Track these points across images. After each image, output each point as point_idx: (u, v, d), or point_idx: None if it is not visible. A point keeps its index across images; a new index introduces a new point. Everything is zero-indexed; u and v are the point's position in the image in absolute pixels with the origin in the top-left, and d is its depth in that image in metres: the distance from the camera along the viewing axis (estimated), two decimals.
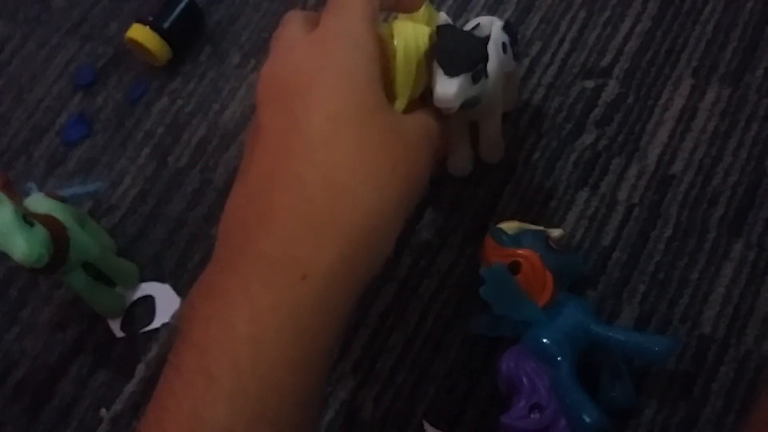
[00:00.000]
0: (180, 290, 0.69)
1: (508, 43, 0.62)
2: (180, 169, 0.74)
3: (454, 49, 0.53)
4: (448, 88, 0.53)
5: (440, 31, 0.54)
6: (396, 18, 0.58)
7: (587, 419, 0.53)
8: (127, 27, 0.78)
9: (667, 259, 0.62)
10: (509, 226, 0.61)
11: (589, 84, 0.70)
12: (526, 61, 0.71)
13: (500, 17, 0.73)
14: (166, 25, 0.78)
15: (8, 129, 0.80)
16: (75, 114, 0.79)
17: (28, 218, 0.58)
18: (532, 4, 0.74)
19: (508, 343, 0.57)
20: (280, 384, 0.44)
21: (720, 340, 0.59)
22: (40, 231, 0.59)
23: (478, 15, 0.74)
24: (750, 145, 0.65)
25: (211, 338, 0.44)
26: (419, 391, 0.62)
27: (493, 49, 0.58)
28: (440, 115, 0.55)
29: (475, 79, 0.54)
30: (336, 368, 0.63)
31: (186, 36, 0.80)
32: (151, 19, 0.77)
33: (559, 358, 0.55)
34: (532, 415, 0.54)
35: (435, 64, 0.53)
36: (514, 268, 0.58)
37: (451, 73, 0.53)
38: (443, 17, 0.56)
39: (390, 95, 0.54)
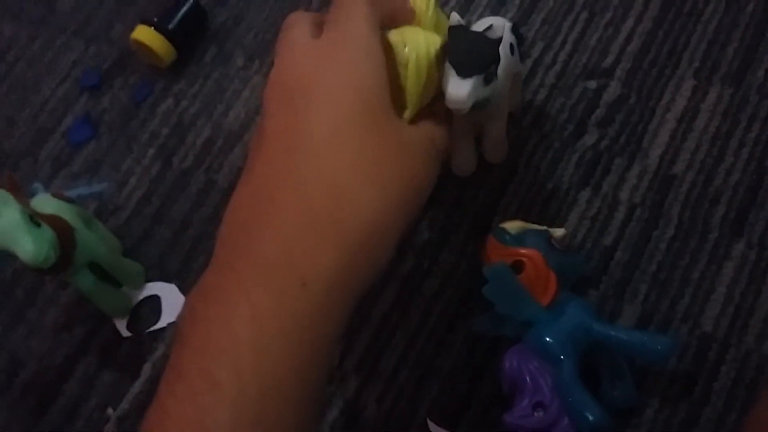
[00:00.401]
0: (186, 290, 0.70)
1: (515, 44, 0.62)
2: (185, 170, 0.75)
3: (467, 51, 0.53)
4: (460, 89, 0.53)
5: (452, 32, 0.54)
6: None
7: (590, 417, 0.53)
8: (131, 28, 0.78)
9: (668, 258, 0.63)
10: (512, 226, 0.61)
11: (591, 85, 0.70)
12: (528, 62, 0.72)
13: (503, 18, 0.74)
14: (170, 26, 0.78)
15: (14, 130, 0.80)
16: (80, 115, 0.79)
17: (34, 219, 0.59)
18: (534, 6, 0.75)
19: (511, 343, 0.57)
20: (281, 388, 0.44)
21: (721, 339, 0.60)
22: (46, 231, 0.59)
23: (481, 16, 0.74)
24: (751, 145, 0.65)
25: (212, 341, 0.44)
26: (422, 391, 0.62)
27: (502, 51, 0.58)
28: (448, 120, 0.55)
29: (486, 81, 0.54)
30: (339, 368, 0.64)
31: (190, 37, 0.80)
32: (155, 20, 0.78)
33: (561, 357, 0.55)
34: (535, 414, 0.55)
35: (447, 65, 0.53)
36: (518, 267, 0.58)
37: (463, 74, 0.53)
38: (455, 18, 0.55)
39: (399, 103, 0.54)
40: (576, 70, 0.71)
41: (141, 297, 0.70)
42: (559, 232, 0.62)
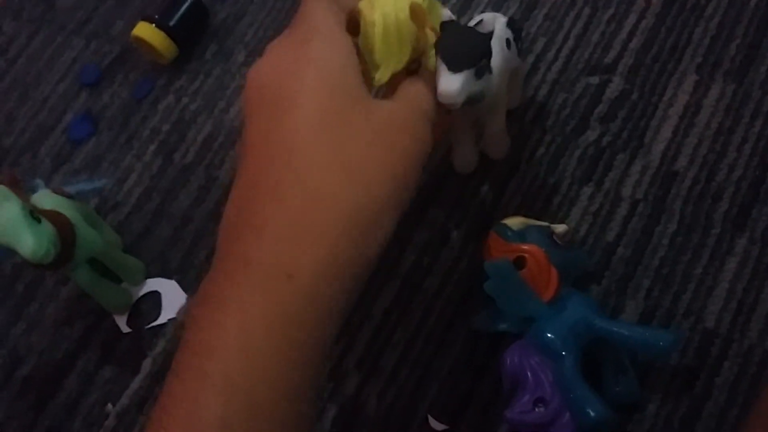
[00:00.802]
0: (186, 286, 0.69)
1: (512, 39, 0.62)
2: (186, 166, 0.74)
3: (457, 45, 0.53)
4: (451, 83, 0.53)
5: (443, 27, 0.54)
6: None
7: (591, 413, 0.53)
8: (132, 25, 0.78)
9: (671, 254, 0.63)
10: (514, 222, 0.61)
11: (594, 80, 0.70)
12: (530, 58, 0.72)
13: (505, 14, 0.74)
14: (171, 23, 0.78)
15: (14, 127, 0.80)
16: (81, 112, 0.79)
17: (34, 214, 0.58)
18: (536, 1, 0.75)
19: (512, 339, 0.57)
20: (272, 378, 0.45)
21: (723, 334, 0.59)
22: (47, 227, 0.59)
23: (482, 12, 0.74)
24: (754, 140, 0.65)
25: (204, 341, 0.45)
26: (423, 387, 0.62)
27: (497, 45, 0.58)
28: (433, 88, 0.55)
29: (478, 75, 0.54)
30: (340, 365, 0.64)
31: (192, 34, 0.80)
32: (156, 17, 0.78)
33: (563, 353, 0.55)
34: (536, 409, 0.55)
35: (438, 60, 0.53)
36: (519, 263, 0.58)
37: (453, 68, 0.53)
38: (447, 14, 0.56)
39: (373, 68, 0.54)
40: (578, 66, 0.71)
41: (141, 293, 0.70)
42: (560, 228, 0.62)
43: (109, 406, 0.66)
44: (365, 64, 0.55)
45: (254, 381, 0.44)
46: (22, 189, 0.61)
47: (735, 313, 0.60)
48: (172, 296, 0.69)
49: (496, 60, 0.57)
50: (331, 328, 0.48)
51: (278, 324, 0.45)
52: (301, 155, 0.48)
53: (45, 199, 0.64)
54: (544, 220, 0.62)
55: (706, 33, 0.70)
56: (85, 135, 0.78)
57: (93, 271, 0.65)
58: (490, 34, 0.55)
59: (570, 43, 0.72)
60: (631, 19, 0.72)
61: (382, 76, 0.54)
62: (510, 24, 0.62)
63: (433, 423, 0.61)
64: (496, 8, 0.75)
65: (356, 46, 0.54)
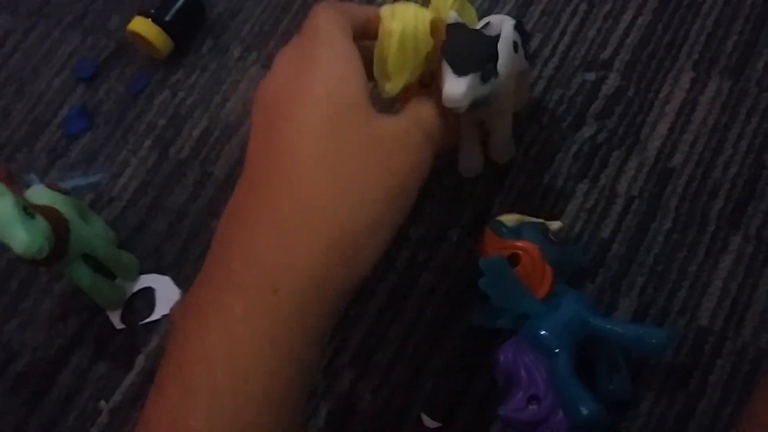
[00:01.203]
0: (180, 282, 0.69)
1: (519, 42, 0.61)
2: (181, 162, 0.74)
3: (463, 48, 0.53)
4: (456, 87, 0.52)
5: (449, 29, 0.54)
6: None
7: (584, 411, 0.53)
8: (128, 20, 0.78)
9: (666, 251, 0.62)
10: (509, 219, 0.61)
11: (590, 77, 0.70)
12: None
13: (501, 10, 0.73)
14: (167, 17, 0.78)
15: (10, 122, 0.80)
16: (77, 107, 0.79)
17: (28, 210, 0.58)
18: None
19: (506, 336, 0.57)
20: (255, 392, 0.44)
21: (718, 332, 0.59)
22: (40, 222, 0.59)
23: (479, 8, 0.73)
24: (750, 137, 0.65)
25: (188, 353, 0.45)
26: (417, 384, 0.62)
27: (504, 49, 0.57)
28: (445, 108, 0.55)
29: (484, 79, 0.53)
30: (334, 361, 0.64)
31: (188, 28, 0.80)
32: (153, 11, 0.78)
33: (557, 350, 0.55)
34: (529, 407, 0.54)
35: (444, 63, 0.53)
36: (514, 260, 0.58)
37: (459, 72, 0.52)
38: (453, 16, 0.55)
39: (385, 77, 0.54)
40: (575, 62, 0.70)
41: (135, 289, 0.70)
42: (555, 224, 0.62)
43: (102, 402, 0.66)
44: (380, 71, 0.54)
45: (240, 398, 0.44)
46: (16, 184, 0.61)
47: (729, 310, 0.60)
48: (165, 292, 0.69)
49: (503, 63, 0.56)
50: (317, 344, 0.47)
51: (264, 339, 0.45)
52: (296, 167, 0.48)
53: (39, 194, 0.64)
54: (540, 217, 0.62)
55: (703, 30, 0.69)
56: (81, 130, 0.78)
57: (87, 266, 0.65)
58: (497, 38, 0.54)
59: (566, 39, 0.72)
60: (628, 15, 0.71)
61: (393, 87, 0.54)
62: (517, 27, 0.61)
63: (427, 421, 0.61)
64: (493, 4, 0.75)
65: (370, 51, 0.54)
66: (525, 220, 0.61)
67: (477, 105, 0.55)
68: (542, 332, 0.55)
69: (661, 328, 0.60)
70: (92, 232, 0.66)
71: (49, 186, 0.66)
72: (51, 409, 0.67)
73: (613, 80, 0.69)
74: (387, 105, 0.60)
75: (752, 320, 0.59)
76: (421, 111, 0.53)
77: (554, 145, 0.68)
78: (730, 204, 0.63)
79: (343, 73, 0.50)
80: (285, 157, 0.48)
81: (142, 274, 0.70)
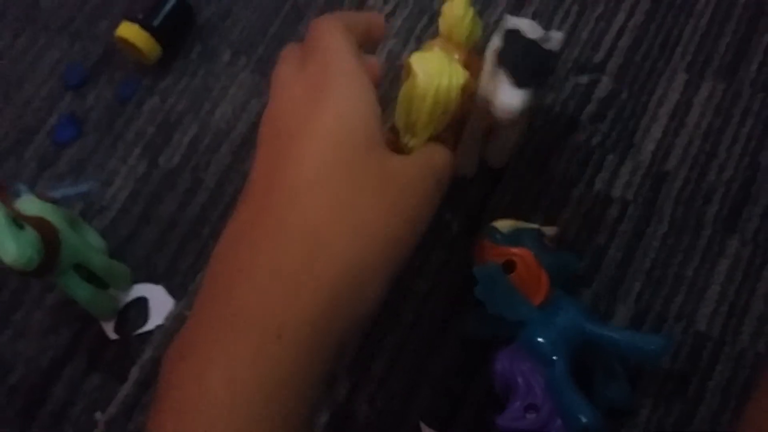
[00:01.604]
0: (173, 291, 0.69)
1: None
2: (171, 169, 0.74)
3: (526, 60, 0.52)
4: (514, 98, 0.51)
5: (508, 37, 0.53)
6: (435, 41, 0.57)
7: (583, 419, 0.52)
8: (116, 25, 0.77)
9: (662, 256, 0.62)
10: (503, 225, 0.61)
11: (583, 80, 0.69)
12: None
13: (494, 11, 0.73)
14: (155, 22, 0.77)
15: None
16: (65, 114, 0.78)
17: (17, 221, 0.58)
18: None
19: (503, 344, 0.57)
20: None
21: (715, 338, 0.59)
22: (30, 234, 0.58)
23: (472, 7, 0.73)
24: (745, 140, 0.65)
25: (188, 401, 0.43)
26: (414, 393, 0.62)
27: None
28: (454, 144, 0.54)
29: (537, 92, 0.53)
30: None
31: (176, 34, 0.79)
32: (140, 17, 0.77)
33: (554, 358, 0.55)
34: (527, 416, 0.54)
35: (500, 72, 0.51)
36: (509, 266, 0.57)
37: (520, 83, 0.51)
38: (512, 22, 0.53)
39: (406, 127, 0.53)
40: (567, 65, 0.70)
41: (128, 299, 0.69)
42: (550, 230, 0.61)
43: (98, 414, 0.65)
44: (406, 125, 0.53)
45: None
46: (5, 194, 0.61)
47: (727, 315, 0.60)
48: (159, 302, 0.68)
49: None
50: (323, 382, 0.46)
51: (269, 384, 0.43)
52: (303, 200, 0.46)
53: (29, 204, 0.64)
54: (534, 222, 0.62)
55: (696, 31, 0.69)
56: (70, 138, 0.77)
57: (79, 277, 0.64)
58: (559, 54, 0.52)
59: None
60: (620, 17, 0.71)
61: (417, 143, 0.53)
62: None
63: (425, 429, 0.61)
64: (486, 5, 0.74)
65: (375, 68, 0.52)
66: (520, 226, 0.61)
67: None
68: (539, 339, 0.55)
69: (657, 335, 0.59)
70: (83, 241, 0.65)
71: (39, 196, 0.66)
72: (45, 421, 0.66)
73: (606, 83, 0.69)
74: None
75: (750, 325, 0.59)
76: (435, 157, 0.52)
77: (548, 149, 0.67)
78: (726, 208, 0.63)
79: (356, 104, 0.48)
80: (292, 190, 0.46)
81: (135, 283, 0.69)
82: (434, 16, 0.56)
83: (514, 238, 0.59)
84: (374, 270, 0.47)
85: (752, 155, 0.64)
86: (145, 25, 0.76)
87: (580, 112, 0.68)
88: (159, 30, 0.77)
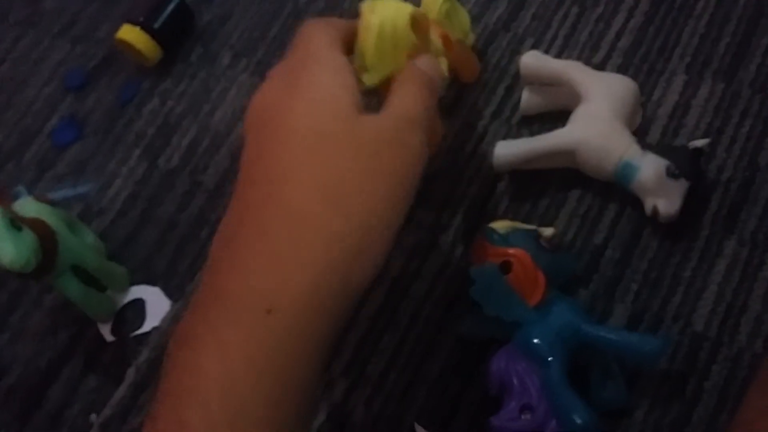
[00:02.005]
0: (170, 293, 0.69)
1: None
2: (170, 171, 0.74)
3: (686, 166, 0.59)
4: (676, 204, 0.59)
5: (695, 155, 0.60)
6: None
7: (578, 420, 0.52)
8: (117, 28, 0.77)
9: (659, 256, 0.62)
10: (501, 225, 0.60)
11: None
12: (516, 59, 0.71)
13: (493, 14, 0.74)
14: (156, 25, 0.77)
15: None
16: (66, 117, 0.79)
17: (15, 223, 0.58)
18: (524, 1, 0.74)
19: (499, 344, 0.57)
20: (253, 420, 0.43)
21: (713, 338, 0.59)
22: (27, 235, 0.58)
23: (470, 11, 0.72)
24: (743, 141, 0.64)
25: (181, 383, 0.44)
26: (410, 394, 0.62)
27: None
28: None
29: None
30: (326, 371, 0.63)
31: (176, 36, 0.79)
32: (141, 19, 0.77)
33: (549, 359, 0.54)
34: (522, 417, 0.54)
35: (675, 184, 0.59)
36: (506, 267, 0.57)
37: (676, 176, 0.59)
38: (702, 141, 0.60)
39: (364, 71, 0.54)
40: None
41: (125, 301, 0.69)
42: (548, 231, 0.61)
43: (93, 416, 0.65)
44: (359, 64, 0.55)
45: (235, 422, 0.43)
46: (4, 196, 0.61)
47: (724, 316, 0.59)
48: (156, 304, 0.68)
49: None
50: (317, 362, 0.46)
51: (260, 362, 0.44)
52: (288, 182, 0.47)
53: (27, 206, 0.64)
54: (532, 223, 0.62)
55: (695, 32, 0.69)
56: (70, 140, 0.77)
57: (77, 278, 0.65)
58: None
59: (558, 42, 0.71)
60: (620, 18, 0.71)
61: (370, 79, 0.54)
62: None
63: (420, 430, 0.60)
64: (484, 8, 0.74)
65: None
66: (517, 226, 0.61)
67: None
68: (535, 340, 0.55)
69: (654, 336, 0.59)
70: (81, 243, 0.66)
71: (37, 197, 0.66)
72: (42, 422, 0.66)
73: None
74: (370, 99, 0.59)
75: (747, 325, 0.58)
76: (400, 99, 0.51)
77: None
78: (724, 208, 0.62)
79: (329, 84, 0.49)
80: (274, 174, 0.47)
81: (132, 285, 0.69)
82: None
83: (511, 238, 0.59)
84: (362, 240, 0.47)
85: (751, 156, 0.63)
86: (145, 27, 0.77)
87: None
88: (159, 33, 0.77)
